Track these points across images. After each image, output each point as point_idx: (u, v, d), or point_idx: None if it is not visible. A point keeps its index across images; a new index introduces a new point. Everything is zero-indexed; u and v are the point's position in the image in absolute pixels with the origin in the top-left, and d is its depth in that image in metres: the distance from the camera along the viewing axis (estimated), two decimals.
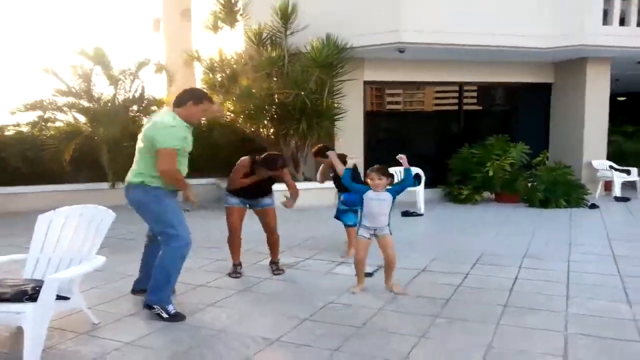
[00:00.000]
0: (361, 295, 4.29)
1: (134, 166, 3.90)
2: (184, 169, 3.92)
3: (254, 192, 4.86)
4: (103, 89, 10.03)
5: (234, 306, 4.07)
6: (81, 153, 9.40)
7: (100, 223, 3.72)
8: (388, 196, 4.22)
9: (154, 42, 19.07)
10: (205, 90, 4.35)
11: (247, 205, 4.96)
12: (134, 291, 4.22)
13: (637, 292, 4.26)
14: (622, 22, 9.15)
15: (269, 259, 5.19)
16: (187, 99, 3.83)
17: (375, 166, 4.30)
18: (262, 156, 4.73)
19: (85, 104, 9.84)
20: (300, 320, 3.71)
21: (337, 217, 5.84)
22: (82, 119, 10.02)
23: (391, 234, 4.33)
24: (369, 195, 4.22)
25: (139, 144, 3.85)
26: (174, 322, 3.67)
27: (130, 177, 3.89)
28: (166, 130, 3.67)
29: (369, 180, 4.24)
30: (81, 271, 3.46)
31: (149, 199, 3.77)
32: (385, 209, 4.24)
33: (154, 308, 3.74)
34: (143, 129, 3.87)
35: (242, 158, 4.82)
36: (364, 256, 4.32)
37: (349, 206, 5.67)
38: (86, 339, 3.40)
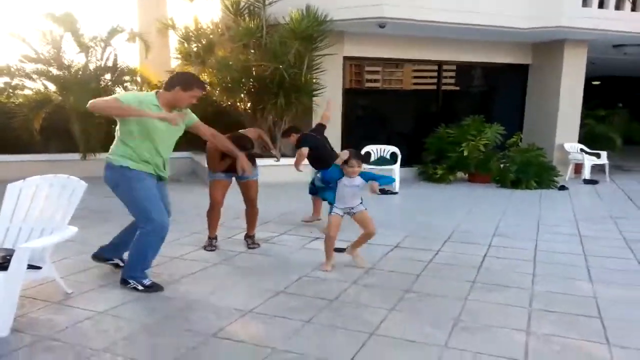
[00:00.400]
0: (335, 269, 4.34)
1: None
2: (153, 152, 3.82)
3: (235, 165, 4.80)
4: (74, 57, 9.77)
5: (209, 278, 4.09)
6: (51, 122, 9.17)
7: (72, 193, 3.66)
8: (361, 181, 4.29)
9: (127, 8, 18.51)
10: (196, 76, 4.20)
11: (231, 178, 4.95)
12: (95, 256, 4.21)
13: (600, 271, 4.42)
14: (601, 4, 9.23)
15: (244, 233, 5.20)
16: (176, 83, 3.77)
17: (355, 152, 4.30)
18: (234, 141, 4.60)
19: (55, 71, 9.57)
20: (274, 292, 3.75)
21: (314, 193, 5.89)
22: (52, 87, 9.76)
23: (366, 209, 4.36)
24: (344, 182, 4.28)
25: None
26: (151, 292, 3.69)
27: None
28: (130, 93, 3.60)
29: (347, 167, 4.21)
30: (52, 241, 3.42)
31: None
32: (358, 192, 4.32)
33: (129, 283, 3.74)
34: None
35: (208, 146, 4.73)
36: (335, 233, 4.36)
37: (325, 184, 5.74)
38: (58, 308, 3.38)
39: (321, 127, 6.08)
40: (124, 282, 3.77)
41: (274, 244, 5.21)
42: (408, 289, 3.89)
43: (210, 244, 4.95)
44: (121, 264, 4.17)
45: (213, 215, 4.98)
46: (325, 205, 6.13)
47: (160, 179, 3.97)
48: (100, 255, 4.22)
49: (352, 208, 4.34)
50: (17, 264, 3.01)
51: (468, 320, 3.32)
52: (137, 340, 2.98)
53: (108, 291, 3.74)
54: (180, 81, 3.79)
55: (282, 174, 7.86)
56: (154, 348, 2.89)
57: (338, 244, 5.05)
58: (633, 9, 9.39)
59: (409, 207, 7.63)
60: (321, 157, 5.74)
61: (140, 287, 3.71)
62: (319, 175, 5.74)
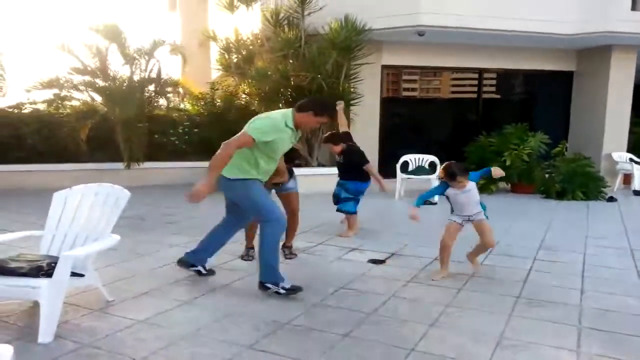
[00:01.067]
0: (372, 281, 4.27)
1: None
2: (267, 167, 3.98)
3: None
4: (119, 68, 10.08)
5: (247, 288, 4.08)
6: (97, 132, 9.47)
7: (115, 202, 3.74)
8: (472, 185, 4.25)
9: (170, 21, 19.03)
10: (330, 103, 4.40)
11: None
12: (180, 262, 4.34)
13: None
14: None
15: (282, 242, 5.19)
16: (310, 108, 3.87)
17: (457, 166, 4.25)
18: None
19: (101, 83, 9.88)
20: (312, 304, 3.71)
21: (337, 203, 5.97)
22: (98, 98, 10.08)
23: (487, 218, 4.35)
24: (450, 192, 4.28)
25: None
26: (293, 294, 3.79)
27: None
28: (260, 120, 3.85)
29: (456, 184, 4.20)
30: (96, 249, 3.50)
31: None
32: (473, 197, 4.28)
33: (269, 288, 3.83)
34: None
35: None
36: (452, 242, 4.34)
37: (354, 195, 5.87)
38: (100, 316, 3.44)
39: (349, 135, 6.01)
40: (263, 287, 3.86)
41: (311, 254, 5.18)
42: (449, 303, 3.78)
43: (247, 254, 4.96)
44: (203, 271, 4.32)
45: (250, 225, 4.96)
46: (360, 215, 6.11)
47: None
48: (187, 261, 4.33)
49: (471, 215, 4.33)
50: (62, 271, 3.09)
51: (512, 338, 3.18)
52: (175, 349, 2.99)
53: (149, 299, 3.79)
54: (314, 106, 3.89)
55: (319, 183, 7.84)
56: (193, 358, 2.89)
57: (376, 255, 5.00)
58: None
59: (447, 218, 7.44)
60: (355, 167, 5.75)
61: (281, 291, 3.81)
62: (346, 186, 5.83)
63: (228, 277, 4.33)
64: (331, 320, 3.43)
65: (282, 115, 3.88)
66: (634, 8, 8.71)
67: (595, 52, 9.92)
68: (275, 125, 3.78)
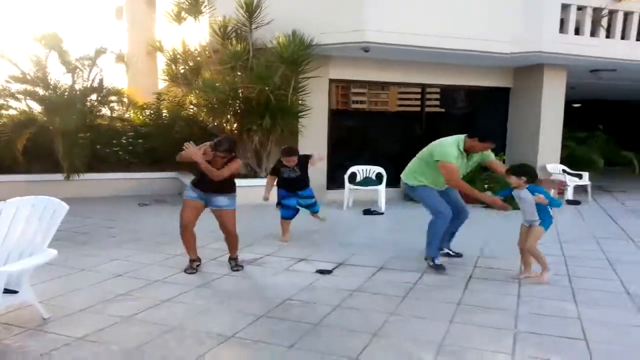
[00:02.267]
0: (319, 292, 4.31)
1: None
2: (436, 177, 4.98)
3: (208, 184, 4.67)
4: (60, 77, 9.75)
5: (190, 302, 4.03)
6: (35, 143, 9.08)
7: (52, 215, 3.61)
8: (527, 194, 4.60)
9: (116, 30, 18.57)
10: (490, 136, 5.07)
11: (204, 202, 4.80)
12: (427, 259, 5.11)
13: (583, 292, 4.44)
14: (577, 31, 9.47)
15: (227, 255, 5.15)
16: (477, 135, 4.87)
17: (514, 166, 4.77)
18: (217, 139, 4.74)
19: (41, 91, 9.52)
20: (257, 316, 3.70)
21: (305, 207, 6.43)
22: (37, 107, 9.70)
23: (544, 225, 4.69)
24: (514, 193, 4.74)
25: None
26: (438, 271, 4.85)
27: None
28: (441, 147, 4.87)
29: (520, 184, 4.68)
30: (31, 264, 3.36)
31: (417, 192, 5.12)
32: (529, 207, 4.65)
33: (428, 261, 4.97)
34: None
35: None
36: (521, 244, 4.83)
37: (313, 197, 6.47)
38: (34, 334, 3.30)
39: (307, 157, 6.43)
40: (426, 260, 5.01)
41: (258, 265, 5.16)
42: (392, 311, 3.86)
43: (191, 267, 4.87)
44: (451, 252, 5.45)
45: (186, 236, 4.83)
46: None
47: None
48: (433, 256, 5.06)
49: (529, 222, 4.73)
50: None
51: (453, 344, 3.30)
52: None
53: (87, 316, 3.66)
54: (480, 134, 4.88)
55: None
56: None
57: (323, 266, 5.04)
58: (607, 36, 9.64)
59: (394, 227, 7.63)
60: (306, 176, 6.37)
61: (431, 263, 4.92)
62: (306, 193, 6.33)
63: (171, 291, 4.25)
64: (276, 331, 3.44)
65: (455, 141, 4.89)
66: (561, 31, 9.28)
67: (530, 70, 10.47)
68: (453, 148, 4.84)
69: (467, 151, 4.89)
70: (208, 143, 4.71)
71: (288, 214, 6.26)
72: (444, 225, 4.96)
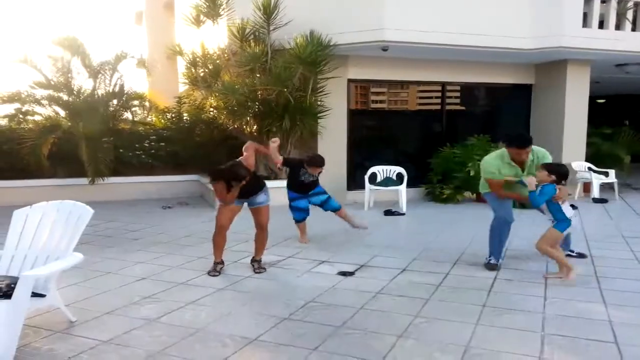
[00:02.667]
0: (342, 294, 4.29)
1: None
2: (519, 191, 5.12)
3: (247, 191, 4.81)
4: (83, 83, 9.92)
5: (214, 305, 4.05)
6: (60, 147, 9.25)
7: (78, 219, 3.66)
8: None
9: (136, 35, 18.85)
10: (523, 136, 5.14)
11: (242, 204, 4.96)
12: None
13: (612, 293, 4.33)
14: (601, 25, 9.26)
15: (251, 256, 5.17)
16: (512, 143, 4.93)
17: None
18: (227, 173, 4.57)
19: (65, 97, 9.69)
20: (280, 319, 3.70)
21: (326, 208, 6.36)
22: (61, 112, 9.88)
23: (557, 227, 4.73)
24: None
25: None
26: (487, 269, 5.01)
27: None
28: (484, 165, 5.16)
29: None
30: (58, 268, 3.41)
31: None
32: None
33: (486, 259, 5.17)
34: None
35: (214, 185, 4.69)
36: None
37: (325, 193, 6.38)
38: (62, 337, 3.35)
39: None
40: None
41: (281, 267, 5.16)
42: (417, 313, 3.82)
43: (215, 269, 4.91)
44: (572, 254, 5.45)
45: (218, 239, 4.94)
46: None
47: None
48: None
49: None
50: (21, 292, 2.99)
51: (478, 346, 3.25)
52: None
53: (113, 319, 3.70)
54: (515, 141, 4.93)
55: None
56: None
57: (345, 267, 5.02)
58: (633, 29, 9.41)
59: (416, 228, 7.56)
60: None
61: (485, 261, 5.15)
62: (317, 189, 6.30)
63: (195, 294, 4.28)
64: (300, 334, 3.43)
65: (497, 155, 5.10)
66: (585, 25, 9.09)
67: (552, 66, 10.28)
68: (493, 166, 5.05)
69: (515, 160, 5.00)
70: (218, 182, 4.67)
71: (301, 216, 6.24)
72: (500, 228, 5.19)
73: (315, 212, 6.44)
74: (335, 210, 6.38)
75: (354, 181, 9.64)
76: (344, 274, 4.88)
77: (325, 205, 6.34)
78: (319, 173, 6.17)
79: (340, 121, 9.56)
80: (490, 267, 5.08)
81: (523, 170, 5.05)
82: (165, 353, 3.14)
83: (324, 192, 6.35)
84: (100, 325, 3.57)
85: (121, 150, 10.09)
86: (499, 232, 5.20)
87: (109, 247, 5.97)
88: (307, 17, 8.60)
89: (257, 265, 5.03)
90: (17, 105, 9.79)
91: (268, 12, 8.72)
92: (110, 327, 3.54)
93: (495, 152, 5.21)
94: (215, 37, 9.56)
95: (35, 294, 3.19)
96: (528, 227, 6.60)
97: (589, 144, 10.62)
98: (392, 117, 10.85)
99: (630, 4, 9.23)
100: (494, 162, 5.10)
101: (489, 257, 5.18)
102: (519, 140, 4.95)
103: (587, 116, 10.36)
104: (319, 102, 9.13)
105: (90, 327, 3.52)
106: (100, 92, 10.04)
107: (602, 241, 6.38)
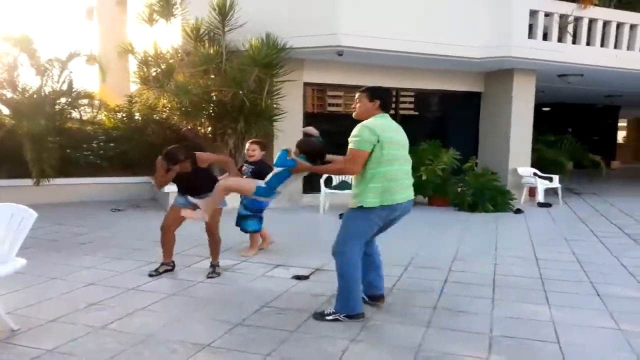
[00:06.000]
0: (296, 298, 4.29)
1: None
2: None
3: (192, 188, 4.81)
4: (29, 80, 9.49)
5: (165, 310, 3.96)
6: (3, 147, 8.82)
7: (20, 223, 3.52)
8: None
9: (87, 31, 18.21)
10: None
11: (193, 206, 4.82)
12: None
13: (556, 294, 4.53)
14: (545, 37, 9.71)
15: (203, 261, 5.10)
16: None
17: None
18: (163, 152, 4.65)
19: (9, 94, 9.25)
20: (233, 324, 3.66)
21: (238, 224, 5.80)
22: (5, 110, 9.42)
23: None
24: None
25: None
26: None
27: None
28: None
29: None
30: None
31: None
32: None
33: None
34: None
35: (158, 162, 4.69)
36: None
37: (254, 212, 5.72)
38: (3, 347, 3.19)
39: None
40: None
41: (234, 272, 5.11)
42: (369, 317, 3.87)
43: (156, 269, 4.90)
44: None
45: (163, 239, 4.93)
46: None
47: None
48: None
49: None
50: None
51: (429, 349, 3.32)
52: None
53: (58, 327, 3.56)
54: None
55: None
56: None
57: (300, 271, 5.02)
58: (574, 42, 9.91)
59: None
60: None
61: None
62: (244, 202, 5.67)
63: (145, 300, 4.17)
64: (252, 340, 3.41)
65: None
66: (530, 36, 9.50)
67: (500, 75, 10.67)
68: None
69: None
70: (160, 157, 4.66)
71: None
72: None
73: (270, 217, 6.38)
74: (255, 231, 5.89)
75: (310, 185, 9.67)
76: (298, 277, 4.88)
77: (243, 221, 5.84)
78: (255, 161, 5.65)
79: (296, 124, 9.55)
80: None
81: None
82: None
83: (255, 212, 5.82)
84: (44, 334, 3.42)
85: (68, 151, 9.71)
86: None
87: (54, 252, 5.74)
88: (263, 20, 8.57)
89: (211, 269, 4.96)
90: None
91: (223, 13, 8.63)
92: (55, 335, 3.40)
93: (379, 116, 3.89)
94: (168, 36, 9.38)
95: None
96: (449, 229, 6.78)
97: (534, 150, 11.07)
98: (348, 121, 10.93)
99: (571, 18, 9.71)
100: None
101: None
102: (377, 90, 3.97)
103: (532, 123, 10.80)
104: (274, 105, 9.10)
105: (33, 336, 3.37)
106: (47, 89, 9.64)
107: (547, 244, 6.65)
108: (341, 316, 3.75)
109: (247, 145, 5.79)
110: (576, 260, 5.81)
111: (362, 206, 3.63)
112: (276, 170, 4.12)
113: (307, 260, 5.51)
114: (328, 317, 3.76)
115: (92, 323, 3.62)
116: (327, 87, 10.37)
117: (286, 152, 4.06)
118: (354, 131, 3.68)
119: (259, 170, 5.27)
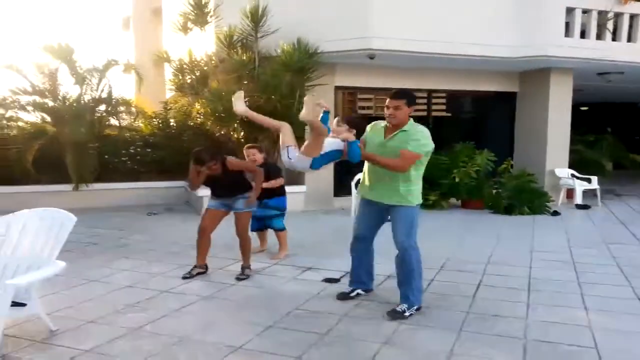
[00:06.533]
0: (327, 301, 4.29)
1: None
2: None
3: (223, 190, 4.94)
4: (69, 88, 9.83)
5: (198, 313, 4.03)
6: (45, 154, 9.15)
7: (60, 227, 3.63)
8: None
9: (123, 41, 18.75)
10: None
11: (226, 209, 5.02)
12: None
13: (594, 298, 4.39)
14: (583, 34, 9.43)
15: (235, 264, 5.16)
16: (414, 101, 4.10)
17: None
18: (193, 153, 4.80)
19: (51, 103, 9.61)
20: (265, 327, 3.70)
21: (265, 225, 5.92)
22: (47, 118, 9.78)
23: None
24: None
25: None
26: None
27: None
28: (422, 134, 4.04)
29: None
30: (39, 277, 3.38)
31: None
32: None
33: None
34: None
35: (192, 165, 4.80)
36: None
37: (280, 210, 5.91)
38: (43, 347, 3.31)
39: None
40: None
41: (266, 275, 5.15)
42: (402, 320, 3.84)
43: (189, 271, 4.99)
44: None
45: (199, 242, 5.02)
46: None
47: None
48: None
49: None
50: (1, 301, 2.96)
51: (462, 353, 3.27)
52: None
53: (95, 328, 3.67)
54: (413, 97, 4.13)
55: None
56: None
57: (330, 274, 5.03)
58: (613, 39, 9.59)
59: None
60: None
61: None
62: (269, 204, 5.78)
63: (179, 302, 4.26)
64: (284, 342, 3.43)
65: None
66: (567, 35, 9.25)
67: (536, 74, 10.43)
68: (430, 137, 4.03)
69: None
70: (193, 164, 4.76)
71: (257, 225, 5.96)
72: (420, 263, 4.18)
73: (301, 220, 6.41)
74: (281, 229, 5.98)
75: (341, 187, 9.66)
76: (329, 280, 4.88)
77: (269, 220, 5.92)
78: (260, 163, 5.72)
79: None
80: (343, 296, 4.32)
81: None
82: None
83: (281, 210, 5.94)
84: (81, 335, 3.53)
85: (106, 156, 10.01)
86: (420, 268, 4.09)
87: (92, 255, 5.91)
88: (294, 25, 8.64)
89: (241, 272, 5.02)
90: (0, 111, 9.67)
91: (255, 20, 8.74)
92: (92, 336, 3.50)
93: (412, 120, 4.09)
94: (202, 44, 9.56)
95: (15, 303, 3.15)
96: (484, 232, 6.63)
97: (572, 151, 10.77)
98: None
99: (611, 14, 9.40)
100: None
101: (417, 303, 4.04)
102: (413, 96, 4.13)
103: (570, 123, 10.51)
104: None
105: (72, 336, 3.49)
106: (87, 97, 9.96)
107: (585, 247, 6.46)
108: (414, 309, 3.94)
109: (245, 152, 5.87)
110: (615, 263, 5.62)
111: (417, 204, 4.09)
112: (331, 148, 4.07)
113: (337, 263, 5.50)
114: (407, 313, 3.89)
115: (128, 325, 3.72)
116: (358, 90, 10.36)
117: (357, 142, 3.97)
118: (415, 135, 3.93)
119: (267, 171, 5.48)
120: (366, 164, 4.23)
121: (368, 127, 4.28)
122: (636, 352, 3.33)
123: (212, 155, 4.77)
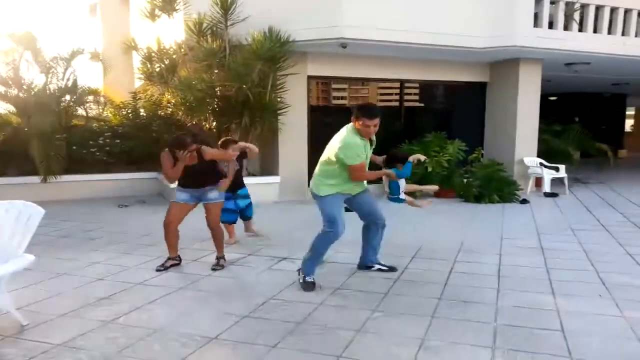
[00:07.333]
0: (301, 290, 4.31)
1: None
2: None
3: (196, 181, 4.86)
4: (34, 77, 9.56)
5: (173, 304, 4.00)
6: (10, 145, 8.89)
7: (28, 219, 3.56)
8: None
9: (91, 28, 18.24)
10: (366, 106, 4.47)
11: (196, 201, 4.95)
12: (358, 267, 4.97)
13: (561, 284, 4.53)
14: (551, 25, 9.62)
15: (209, 255, 5.13)
16: (362, 114, 4.21)
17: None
18: (171, 139, 4.78)
19: (15, 92, 9.32)
20: (240, 317, 3.70)
21: (242, 215, 6.08)
22: (11, 109, 9.50)
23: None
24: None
25: None
26: (308, 290, 4.27)
27: None
28: (346, 145, 4.23)
29: None
30: (6, 271, 3.30)
31: None
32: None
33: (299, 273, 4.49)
34: None
35: (163, 154, 4.75)
36: None
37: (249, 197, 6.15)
38: (12, 342, 3.24)
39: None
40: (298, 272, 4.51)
41: (241, 265, 5.14)
42: (375, 308, 3.89)
43: (162, 263, 4.94)
44: (383, 267, 4.88)
45: (167, 237, 4.94)
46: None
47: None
48: (362, 264, 4.95)
49: None
50: None
51: (435, 339, 3.34)
52: None
53: (67, 321, 3.61)
54: (364, 110, 4.25)
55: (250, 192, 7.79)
56: None
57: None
58: (580, 30, 9.81)
59: None
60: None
61: (302, 280, 4.38)
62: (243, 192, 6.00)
63: (153, 294, 4.22)
64: (259, 331, 3.44)
65: (354, 133, 4.24)
66: (535, 25, 9.42)
67: (506, 65, 10.60)
68: (359, 146, 4.21)
69: (362, 136, 4.27)
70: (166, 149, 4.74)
71: (232, 217, 6.01)
72: (330, 242, 4.41)
73: (276, 210, 6.41)
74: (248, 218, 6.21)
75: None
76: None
77: (247, 210, 6.12)
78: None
79: (300, 117, 9.56)
80: (308, 286, 4.33)
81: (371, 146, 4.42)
82: (123, 355, 3.09)
83: (248, 196, 6.13)
84: (53, 328, 3.47)
85: (74, 148, 9.78)
86: (325, 247, 4.42)
87: (62, 248, 5.80)
88: (265, 13, 8.56)
89: (215, 262, 5.00)
90: None
91: (225, 7, 8.62)
92: (64, 330, 3.45)
93: (347, 129, 4.32)
94: (171, 32, 9.39)
95: None
96: (455, 220, 6.77)
97: (540, 140, 11.01)
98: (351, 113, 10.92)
99: (577, 5, 9.61)
100: (359, 142, 4.19)
101: (307, 275, 4.38)
102: (369, 110, 4.21)
103: (539, 113, 10.74)
104: (278, 99, 9.10)
105: (43, 331, 3.42)
106: (53, 87, 9.70)
107: (553, 234, 6.63)
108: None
109: (225, 146, 5.68)
110: (582, 249, 5.80)
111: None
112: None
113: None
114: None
115: (101, 318, 3.67)
116: (331, 79, 10.35)
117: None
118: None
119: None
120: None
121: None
122: (600, 333, 3.45)
123: (193, 139, 4.72)
